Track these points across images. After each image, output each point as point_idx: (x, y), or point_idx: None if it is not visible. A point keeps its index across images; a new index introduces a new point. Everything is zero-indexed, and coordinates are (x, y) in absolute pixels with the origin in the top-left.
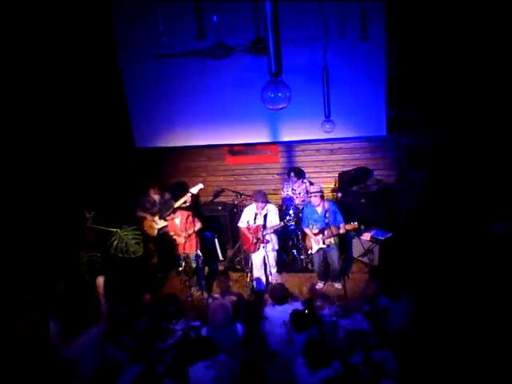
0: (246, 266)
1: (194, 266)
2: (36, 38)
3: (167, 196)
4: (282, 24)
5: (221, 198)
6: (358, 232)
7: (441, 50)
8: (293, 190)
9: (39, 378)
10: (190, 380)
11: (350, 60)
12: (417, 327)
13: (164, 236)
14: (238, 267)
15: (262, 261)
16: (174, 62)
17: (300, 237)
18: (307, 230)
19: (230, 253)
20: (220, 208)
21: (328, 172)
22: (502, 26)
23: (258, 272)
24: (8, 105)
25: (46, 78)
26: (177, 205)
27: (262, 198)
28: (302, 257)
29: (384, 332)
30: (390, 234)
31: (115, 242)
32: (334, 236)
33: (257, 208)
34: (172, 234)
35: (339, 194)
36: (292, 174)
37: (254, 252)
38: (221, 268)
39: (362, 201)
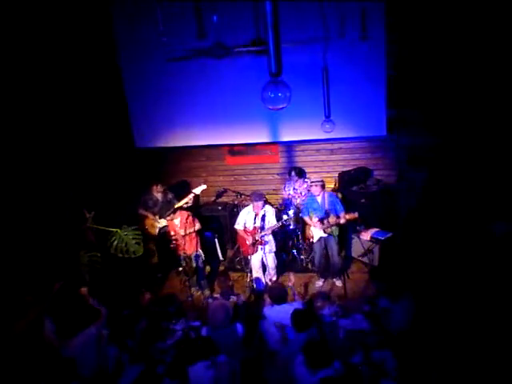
0: (246, 266)
1: (194, 265)
2: (36, 38)
3: (170, 195)
4: (282, 24)
5: (221, 198)
6: (357, 230)
7: (441, 50)
8: (294, 189)
9: (39, 377)
10: (190, 380)
11: (350, 60)
12: (417, 327)
13: (165, 235)
14: (238, 267)
15: (261, 262)
16: (174, 63)
17: (300, 237)
18: (307, 219)
19: (229, 253)
20: (220, 208)
21: (328, 172)
22: (501, 26)
23: (257, 272)
24: (8, 105)
25: (46, 78)
26: (178, 205)
27: (260, 197)
28: (302, 257)
29: (384, 332)
30: (390, 234)
31: (115, 242)
32: (334, 225)
33: (255, 208)
34: (172, 233)
35: (339, 194)
36: (293, 174)
37: (251, 254)
38: (221, 268)
39: (362, 201)
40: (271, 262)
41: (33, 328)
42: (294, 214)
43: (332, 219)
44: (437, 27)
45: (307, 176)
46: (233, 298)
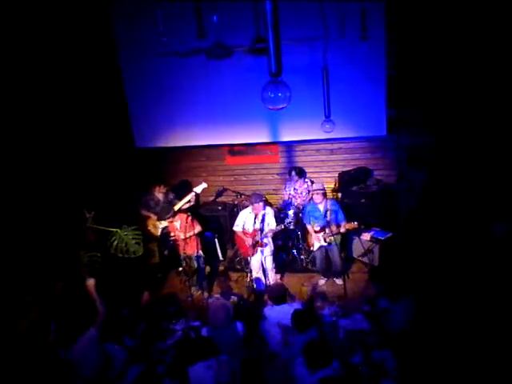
0: (246, 266)
1: (194, 266)
2: (36, 38)
3: (171, 196)
4: (282, 24)
5: (221, 198)
6: (358, 232)
7: (441, 50)
8: (295, 189)
9: (40, 377)
10: (190, 380)
11: (350, 60)
12: (417, 327)
13: (167, 236)
14: (238, 267)
15: (260, 263)
16: (173, 62)
17: (300, 237)
18: (309, 227)
19: (230, 253)
20: (220, 208)
21: (328, 172)
22: (501, 26)
23: (257, 273)
24: (8, 105)
25: (46, 78)
26: (179, 206)
27: (260, 198)
28: (302, 257)
29: (384, 332)
30: (390, 234)
31: (115, 242)
32: (334, 234)
33: (255, 210)
34: (172, 234)
35: (339, 194)
36: (293, 173)
37: (251, 256)
38: (221, 268)
39: (362, 201)
40: (269, 263)
41: (34, 328)
42: (295, 214)
43: (333, 228)
44: (437, 27)
45: (307, 176)
46: (233, 298)
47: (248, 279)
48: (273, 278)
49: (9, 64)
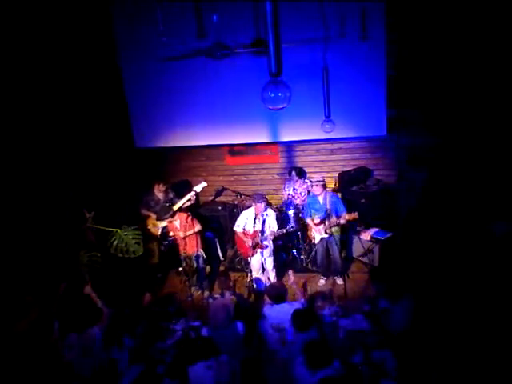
0: (246, 266)
1: (194, 266)
2: (36, 38)
3: (171, 195)
4: (282, 24)
5: (221, 198)
6: (357, 230)
7: (441, 50)
8: (294, 189)
9: (40, 377)
10: (190, 380)
11: (350, 60)
12: (417, 327)
13: (167, 235)
14: (238, 267)
15: (260, 264)
16: (174, 62)
17: (300, 237)
18: (309, 220)
19: (230, 253)
20: (220, 208)
21: (328, 172)
22: (502, 26)
23: (257, 273)
24: (8, 105)
25: (46, 78)
26: (178, 205)
27: (262, 198)
28: (302, 257)
29: (384, 332)
30: (390, 234)
31: (115, 242)
32: (335, 226)
33: (256, 210)
34: (171, 234)
35: (339, 194)
36: (293, 173)
37: (251, 256)
38: (221, 268)
39: (362, 201)
40: (270, 264)
41: (34, 328)
42: (294, 214)
43: (333, 220)
44: (437, 27)
45: (307, 176)
46: (233, 298)
47: (248, 279)
48: (273, 277)
49: (9, 64)
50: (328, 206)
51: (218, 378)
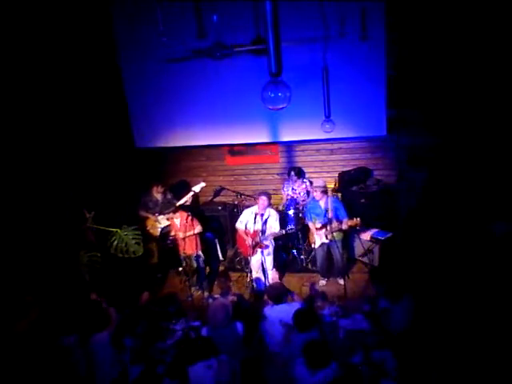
0: (246, 266)
1: (194, 266)
2: (36, 38)
3: (169, 196)
4: (282, 24)
5: (221, 198)
6: (358, 232)
7: (441, 50)
8: (293, 189)
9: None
10: (190, 380)
11: (350, 60)
12: (417, 327)
13: (166, 236)
14: (238, 267)
15: (260, 263)
16: (174, 62)
17: (300, 237)
18: (310, 224)
19: (230, 253)
20: (220, 208)
21: (328, 172)
22: (502, 26)
23: (256, 273)
24: (8, 105)
25: (46, 79)
26: (181, 202)
27: (265, 194)
28: (302, 257)
29: (384, 332)
30: (390, 234)
31: (115, 242)
32: (336, 231)
33: (259, 205)
34: (172, 233)
35: (339, 195)
36: (292, 174)
37: (250, 255)
38: (221, 268)
39: (362, 201)
40: (269, 264)
41: (34, 328)
42: (295, 214)
43: (334, 225)
44: (437, 27)
45: (306, 176)
46: (233, 298)
47: (248, 279)
48: (272, 277)
49: (9, 64)
50: (329, 212)
51: (218, 378)
